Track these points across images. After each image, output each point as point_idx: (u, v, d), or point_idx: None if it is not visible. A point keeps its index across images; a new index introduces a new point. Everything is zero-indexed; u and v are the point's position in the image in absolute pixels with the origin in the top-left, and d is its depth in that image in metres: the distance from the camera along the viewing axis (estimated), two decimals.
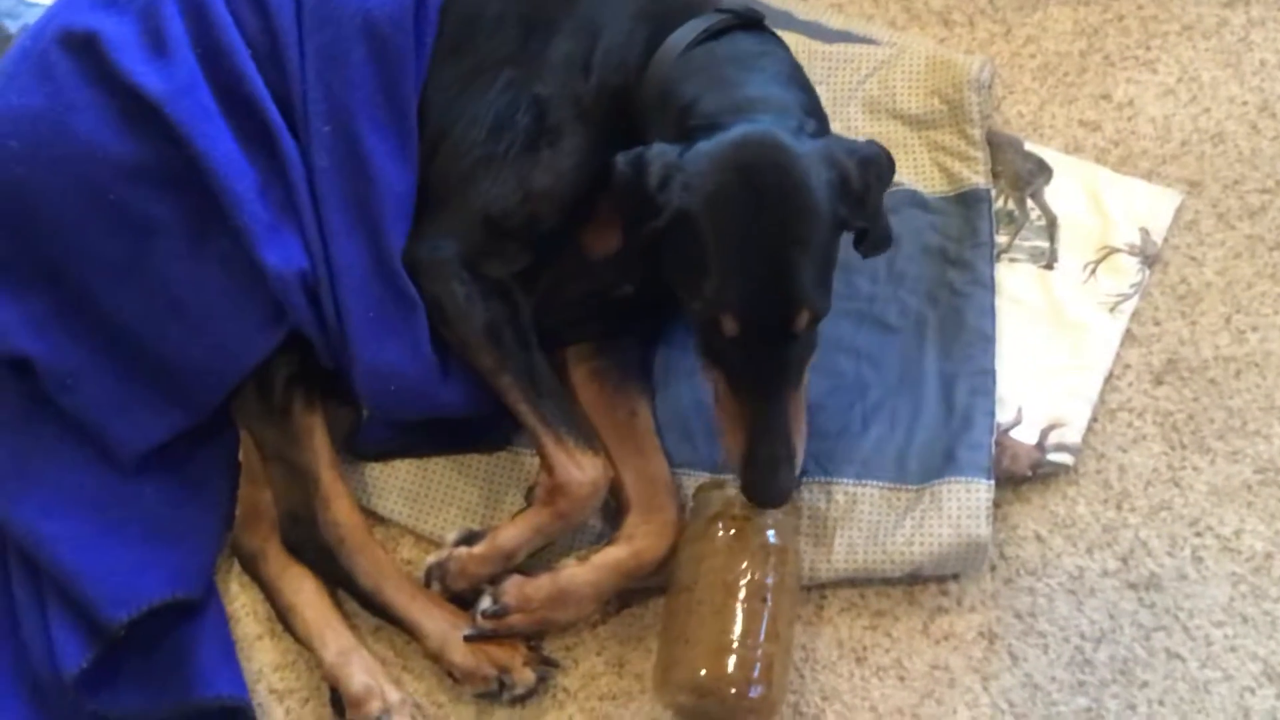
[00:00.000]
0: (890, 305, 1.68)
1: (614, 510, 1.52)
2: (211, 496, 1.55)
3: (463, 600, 1.47)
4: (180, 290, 1.44)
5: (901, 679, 1.47)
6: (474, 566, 1.44)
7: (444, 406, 1.50)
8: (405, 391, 1.46)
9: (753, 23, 1.51)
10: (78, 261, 1.44)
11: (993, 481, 1.52)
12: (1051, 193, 1.78)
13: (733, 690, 1.35)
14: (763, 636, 1.37)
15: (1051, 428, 1.59)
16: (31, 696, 1.44)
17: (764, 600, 1.39)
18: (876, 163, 1.40)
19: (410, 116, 1.51)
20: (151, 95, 1.41)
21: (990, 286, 1.68)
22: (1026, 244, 1.75)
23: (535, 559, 1.49)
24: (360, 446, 1.59)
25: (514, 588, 1.44)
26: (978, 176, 1.77)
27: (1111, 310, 1.69)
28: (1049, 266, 1.73)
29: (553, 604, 1.45)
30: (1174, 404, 1.64)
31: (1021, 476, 1.57)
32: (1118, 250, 1.74)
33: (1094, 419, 1.62)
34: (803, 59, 1.80)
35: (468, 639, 1.44)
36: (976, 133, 1.80)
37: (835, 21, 1.96)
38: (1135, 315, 1.70)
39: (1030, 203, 1.78)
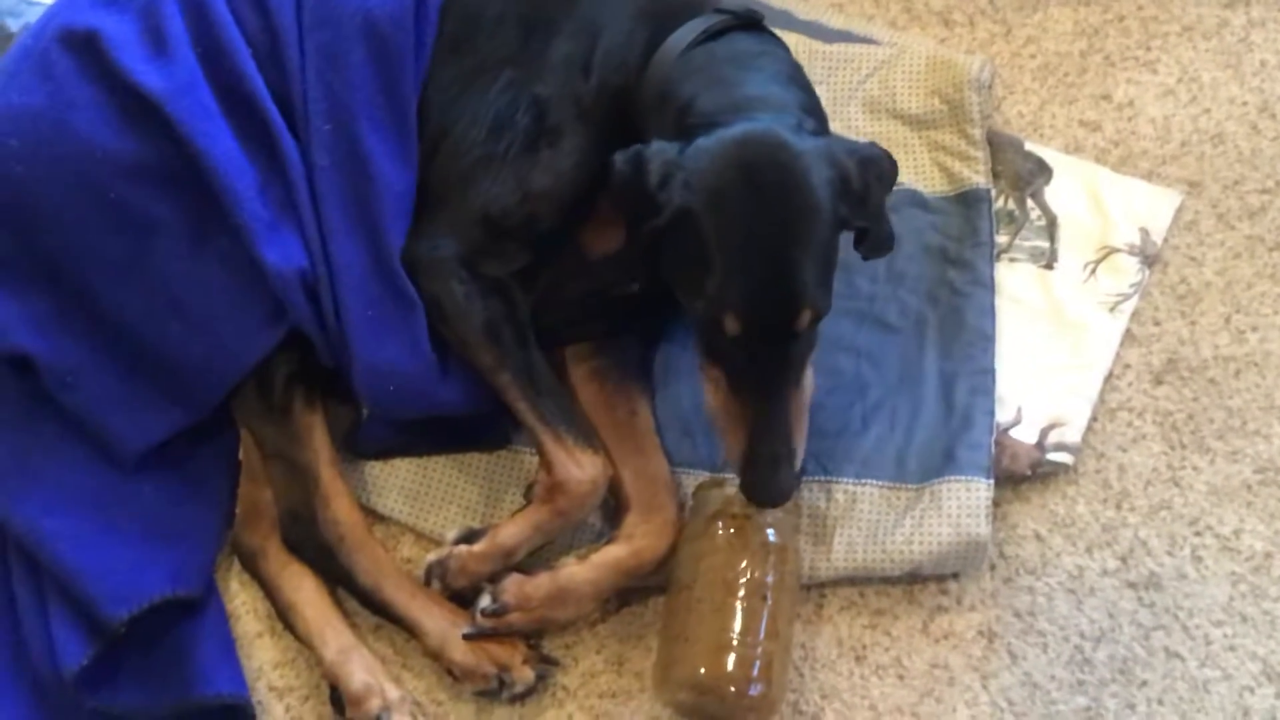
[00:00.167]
0: (890, 305, 1.68)
1: (613, 509, 1.53)
2: (212, 495, 1.55)
3: (463, 599, 1.47)
4: (180, 288, 1.44)
5: (901, 677, 1.47)
6: (474, 564, 1.44)
7: (443, 405, 1.50)
8: (404, 390, 1.46)
9: (752, 23, 1.51)
10: (78, 260, 1.44)
11: (992, 481, 1.53)
12: (1051, 193, 1.79)
13: (732, 688, 1.35)
14: (762, 635, 1.37)
15: (1051, 427, 1.59)
16: (32, 694, 1.44)
17: (764, 598, 1.39)
18: (877, 163, 1.40)
19: (410, 116, 1.51)
20: (152, 94, 1.41)
21: (990, 286, 1.68)
22: (1026, 244, 1.75)
23: (535, 558, 1.50)
24: (360, 445, 1.59)
25: (513, 586, 1.44)
26: (978, 176, 1.77)
27: (1111, 310, 1.70)
28: (1049, 266, 1.73)
29: (552, 602, 1.45)
30: (1174, 404, 1.64)
31: (1021, 476, 1.58)
32: (1118, 250, 1.74)
33: (1094, 418, 1.62)
34: (803, 59, 1.81)
35: (467, 637, 1.44)
36: (977, 133, 1.80)
37: (835, 21, 1.96)
38: (1135, 315, 1.70)
39: (1030, 202, 1.78)
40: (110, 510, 1.48)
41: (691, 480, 1.55)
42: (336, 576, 1.50)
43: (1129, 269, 1.73)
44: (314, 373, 1.50)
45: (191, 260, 1.43)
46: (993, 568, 1.54)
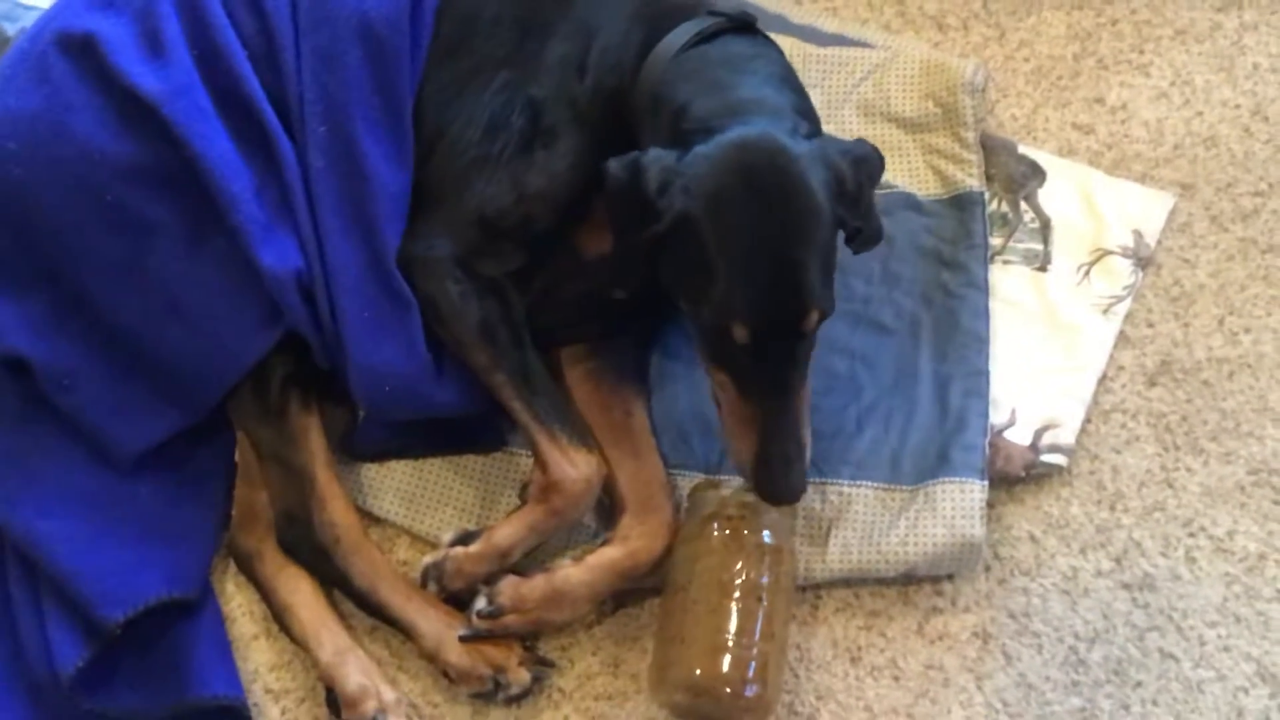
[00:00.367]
0: (885, 307, 1.68)
1: (609, 511, 1.53)
2: (208, 497, 1.55)
3: (459, 601, 1.47)
4: (177, 290, 1.44)
5: (896, 679, 1.48)
6: (470, 566, 1.44)
7: (439, 406, 1.50)
8: (400, 391, 1.46)
9: (745, 26, 1.52)
10: (75, 262, 1.45)
11: (986, 482, 1.53)
12: (1045, 195, 1.79)
13: (728, 689, 1.36)
14: (758, 636, 1.38)
15: (1045, 429, 1.60)
16: (28, 696, 1.44)
17: (759, 600, 1.39)
18: (868, 162, 1.41)
19: (406, 117, 1.52)
20: (148, 96, 1.41)
21: (984, 288, 1.69)
22: (1020, 246, 1.76)
23: (531, 559, 1.50)
24: (356, 447, 1.59)
25: (509, 588, 1.44)
26: (972, 179, 1.78)
27: (1105, 312, 1.70)
28: (1042, 269, 1.74)
29: (548, 604, 1.45)
30: (1167, 405, 1.65)
31: (1015, 477, 1.58)
32: (1111, 252, 1.75)
33: (1087, 420, 1.63)
34: (797, 62, 1.81)
35: (463, 639, 1.44)
36: (970, 136, 1.81)
37: (829, 25, 1.97)
38: (1128, 317, 1.71)
39: (1024, 205, 1.79)
40: (106, 512, 1.48)
41: (687, 482, 1.55)
42: (332, 578, 1.50)
43: (1122, 271, 1.73)
44: (310, 374, 1.50)
45: (188, 262, 1.43)
46: (987, 569, 1.54)
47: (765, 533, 1.43)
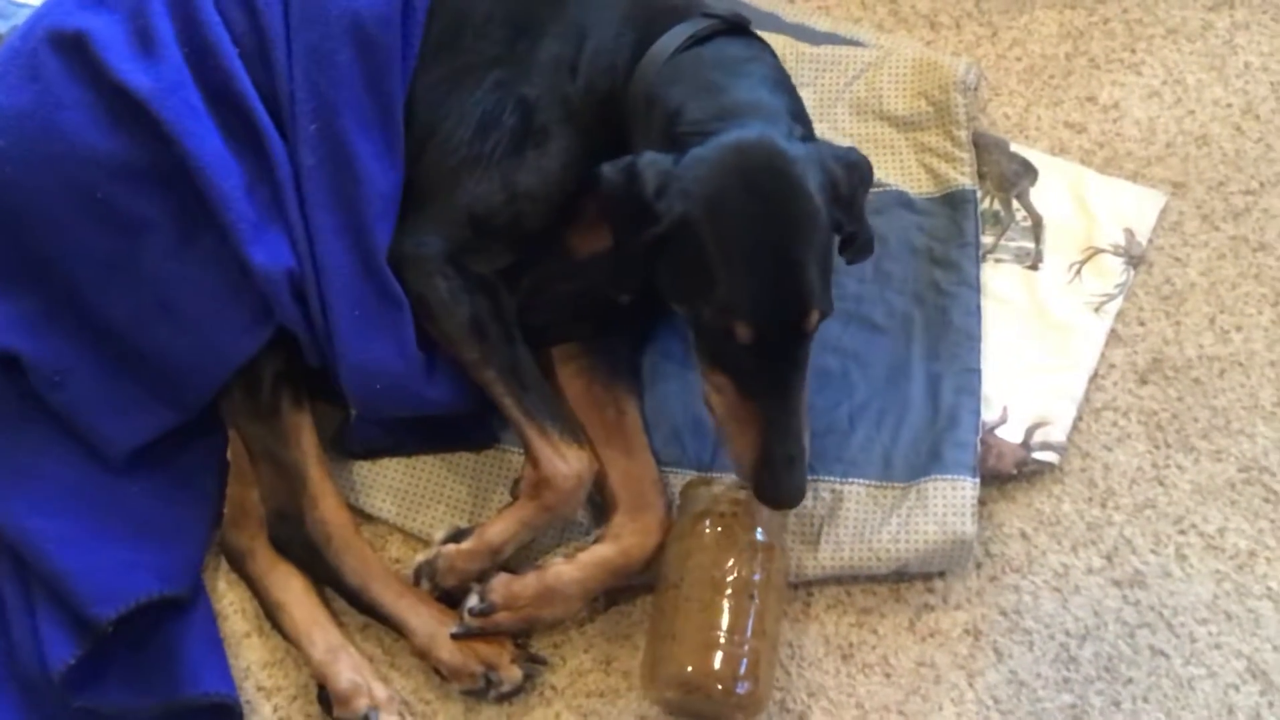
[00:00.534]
0: (877, 305, 1.69)
1: (601, 508, 1.53)
2: (200, 495, 1.55)
3: (451, 598, 1.47)
4: (168, 288, 1.43)
5: (887, 676, 1.48)
6: (462, 563, 1.45)
7: (430, 404, 1.50)
8: (392, 390, 1.46)
9: (739, 28, 1.52)
10: (66, 259, 1.44)
11: (978, 480, 1.53)
12: (1037, 194, 1.80)
13: (719, 686, 1.36)
14: (749, 633, 1.38)
15: (1037, 426, 1.60)
16: (19, 693, 1.43)
17: (751, 597, 1.39)
18: (860, 168, 1.42)
19: (397, 116, 1.51)
20: (139, 93, 1.41)
21: (976, 286, 1.69)
22: (1012, 244, 1.76)
23: (523, 557, 1.50)
24: (348, 445, 1.59)
25: (501, 586, 1.44)
26: (964, 177, 1.78)
27: (1096, 310, 1.71)
28: (1034, 267, 1.74)
29: (540, 602, 1.45)
30: (1158, 403, 1.65)
31: (1007, 475, 1.58)
32: (1102, 251, 1.75)
33: (1079, 418, 1.63)
34: (790, 61, 1.82)
35: (455, 636, 1.44)
36: (962, 134, 1.81)
37: (822, 24, 1.97)
38: (1120, 315, 1.71)
39: (1016, 204, 1.79)
40: (98, 510, 1.48)
41: (679, 479, 1.55)
42: (324, 576, 1.50)
43: (1114, 269, 1.74)
44: (302, 373, 1.50)
45: (179, 260, 1.43)
46: (979, 566, 1.54)
47: (757, 530, 1.43)
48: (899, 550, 1.49)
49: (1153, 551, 1.55)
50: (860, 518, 1.53)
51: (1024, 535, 1.56)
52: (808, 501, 1.53)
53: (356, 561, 1.48)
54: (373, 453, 1.60)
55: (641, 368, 1.64)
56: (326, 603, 1.51)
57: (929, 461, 1.55)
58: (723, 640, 1.37)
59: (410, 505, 1.58)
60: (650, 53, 1.47)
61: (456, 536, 1.47)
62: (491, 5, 1.56)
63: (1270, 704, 1.44)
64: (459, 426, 1.58)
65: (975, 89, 1.86)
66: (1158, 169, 1.85)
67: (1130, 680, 1.47)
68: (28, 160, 1.43)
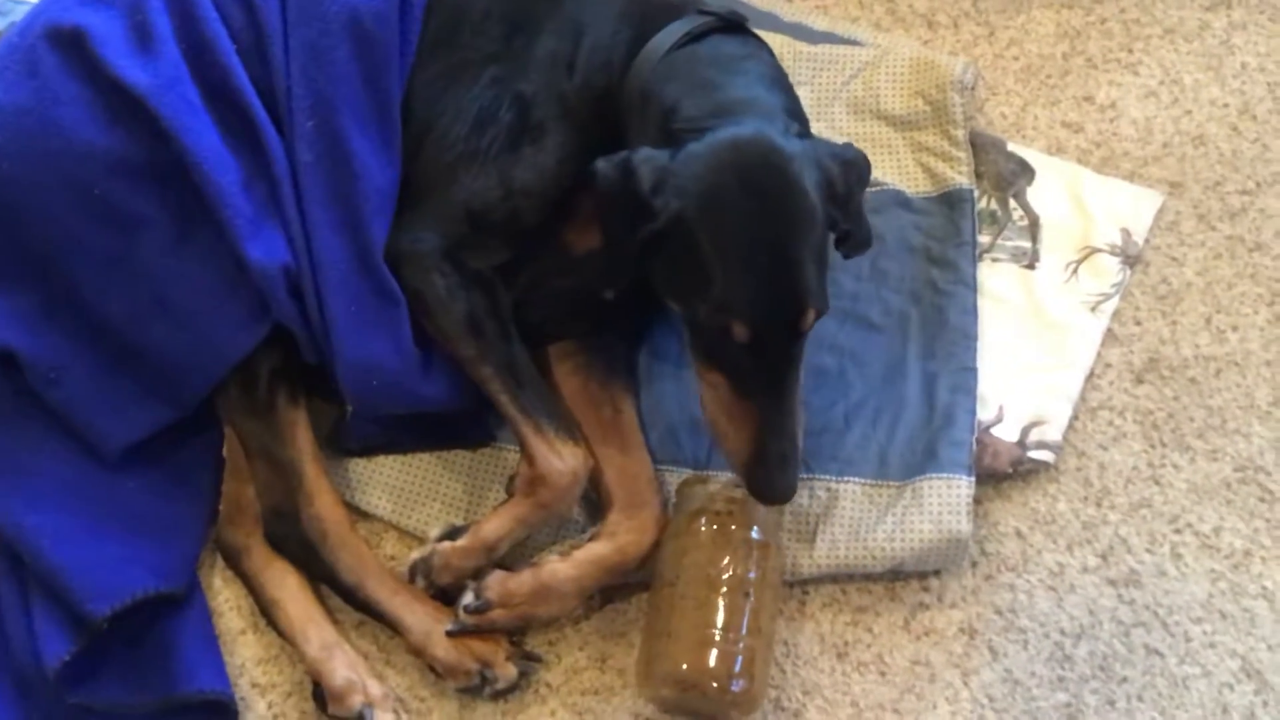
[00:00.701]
0: (873, 304, 1.69)
1: (596, 505, 1.53)
2: (196, 491, 1.55)
3: (447, 596, 1.47)
4: (165, 284, 1.43)
5: (882, 674, 1.48)
6: (457, 560, 1.45)
7: (426, 401, 1.50)
8: (388, 386, 1.46)
9: (735, 25, 1.52)
10: (63, 255, 1.44)
11: (974, 478, 1.53)
12: (1034, 193, 1.80)
13: (714, 684, 1.36)
14: (745, 630, 1.38)
15: (1033, 425, 1.60)
16: (15, 689, 1.43)
17: (746, 595, 1.39)
18: (856, 166, 1.42)
19: (394, 112, 1.51)
20: (136, 89, 1.40)
21: (972, 285, 1.69)
22: (1009, 244, 1.76)
23: (518, 555, 1.50)
24: (344, 442, 1.59)
25: (496, 583, 1.44)
26: (961, 177, 1.78)
27: (1093, 310, 1.71)
28: (1031, 266, 1.74)
29: (535, 599, 1.45)
30: (1154, 403, 1.65)
31: (1002, 474, 1.58)
32: (1099, 250, 1.75)
33: (1075, 417, 1.63)
34: (787, 60, 1.82)
35: (450, 634, 1.44)
36: (960, 133, 1.81)
37: (820, 23, 1.97)
38: (1116, 315, 1.71)
39: (1013, 203, 1.79)
40: (94, 506, 1.48)
41: (675, 478, 1.55)
42: (319, 573, 1.50)
43: (1110, 269, 1.74)
44: (298, 369, 1.50)
45: (175, 256, 1.43)
46: (974, 565, 1.54)
47: (753, 528, 1.43)
48: (894, 549, 1.49)
49: (1148, 551, 1.55)
50: (856, 516, 1.53)
51: (1019, 534, 1.56)
52: (803, 500, 1.54)
53: (352, 558, 1.48)
54: (369, 450, 1.60)
55: (638, 366, 1.64)
56: (321, 600, 1.51)
57: (925, 460, 1.55)
58: (718, 638, 1.37)
59: (406, 502, 1.58)
60: (646, 49, 1.47)
61: (452, 534, 1.47)
62: (489, 2, 1.57)
63: (1264, 703, 1.44)
64: (455, 424, 1.58)
65: (972, 88, 1.86)
66: (1154, 169, 1.85)
67: (1125, 679, 1.47)
68: (25, 156, 1.43)
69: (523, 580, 1.45)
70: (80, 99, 1.43)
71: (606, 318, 1.60)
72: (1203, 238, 1.78)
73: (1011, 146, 1.84)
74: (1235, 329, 1.70)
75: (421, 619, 1.46)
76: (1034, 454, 1.59)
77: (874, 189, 1.75)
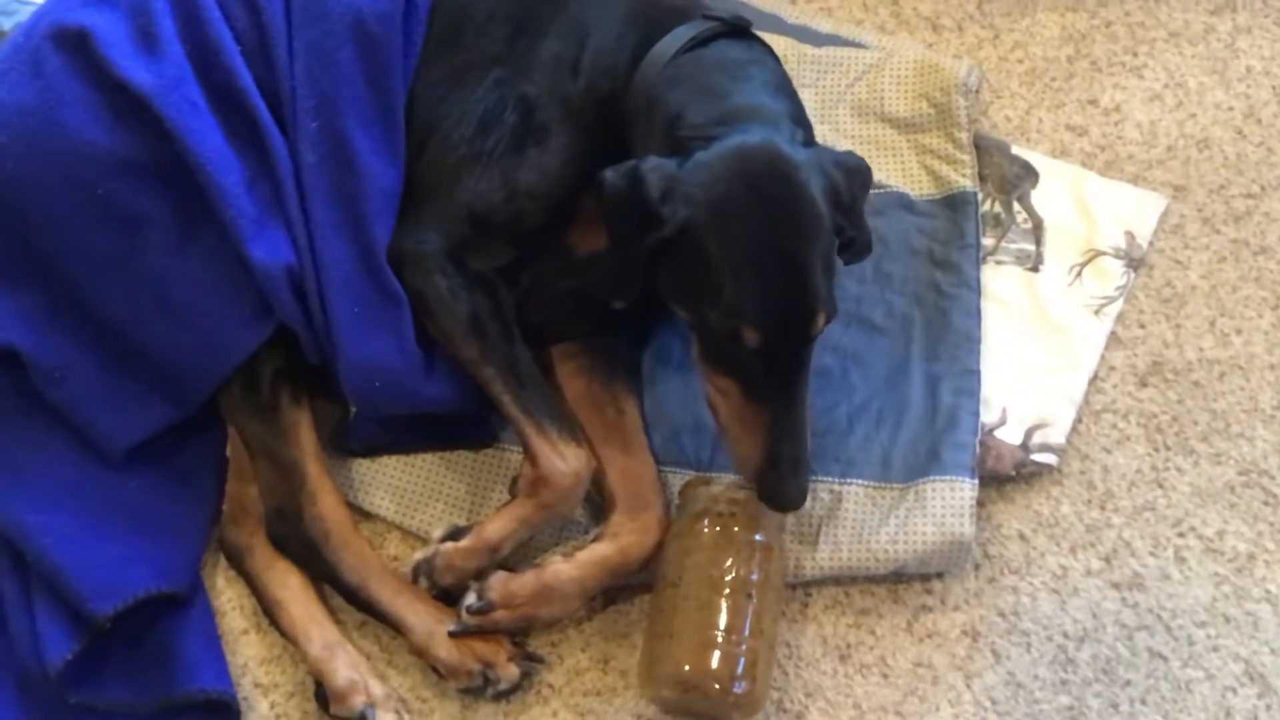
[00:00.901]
0: (877, 306, 1.69)
1: (599, 506, 1.53)
2: (199, 491, 1.55)
3: (449, 597, 1.47)
4: (168, 285, 1.44)
5: (885, 676, 1.48)
6: (460, 560, 1.45)
7: (429, 402, 1.50)
8: (391, 387, 1.46)
9: (740, 30, 1.52)
10: (67, 255, 1.45)
11: (977, 481, 1.53)
12: (1038, 196, 1.80)
13: (716, 685, 1.36)
14: (747, 632, 1.38)
15: (1036, 428, 1.60)
16: (17, 688, 1.44)
17: (749, 596, 1.39)
18: (860, 173, 1.43)
19: (398, 113, 1.52)
20: (140, 90, 1.41)
21: (976, 288, 1.69)
22: (1013, 247, 1.76)
23: (521, 555, 1.50)
24: (347, 442, 1.59)
25: (499, 584, 1.44)
26: (965, 179, 1.78)
27: (1096, 313, 1.71)
28: (1035, 269, 1.74)
29: (538, 600, 1.45)
30: (1158, 406, 1.65)
31: (1006, 476, 1.58)
32: (1103, 253, 1.75)
33: (1078, 420, 1.63)
34: (792, 62, 1.83)
35: (453, 634, 1.44)
36: (964, 136, 1.81)
37: (824, 25, 1.97)
38: (1120, 318, 1.71)
39: (1017, 206, 1.79)
40: (97, 506, 1.48)
41: (678, 479, 1.55)
42: (322, 573, 1.50)
43: (1114, 272, 1.74)
44: (301, 370, 1.50)
45: (179, 256, 1.43)
46: (977, 567, 1.54)
47: (756, 530, 1.43)
48: (897, 551, 1.49)
49: (1151, 554, 1.55)
50: (859, 518, 1.53)
51: (1022, 537, 1.56)
52: (806, 502, 1.53)
53: (354, 559, 1.48)
54: (371, 450, 1.60)
55: (641, 367, 1.64)
56: (324, 600, 1.51)
57: (928, 462, 1.55)
58: (720, 639, 1.37)
59: (409, 503, 1.58)
60: (651, 54, 1.47)
61: (455, 534, 1.47)
62: (493, 3, 1.57)
63: (1268, 707, 1.44)
64: (458, 425, 1.58)
65: (977, 91, 1.86)
66: (1159, 172, 1.85)
67: (1128, 682, 1.46)
68: (29, 156, 1.43)
69: (525, 581, 1.45)
70: (84, 99, 1.44)
71: (609, 319, 1.60)
72: (1207, 241, 1.78)
73: (1016, 149, 1.84)
74: (1239, 332, 1.70)
75: (424, 619, 1.46)
76: (1037, 456, 1.59)
77: (878, 191, 1.75)
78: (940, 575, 1.53)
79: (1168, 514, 1.57)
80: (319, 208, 1.46)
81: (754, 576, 1.40)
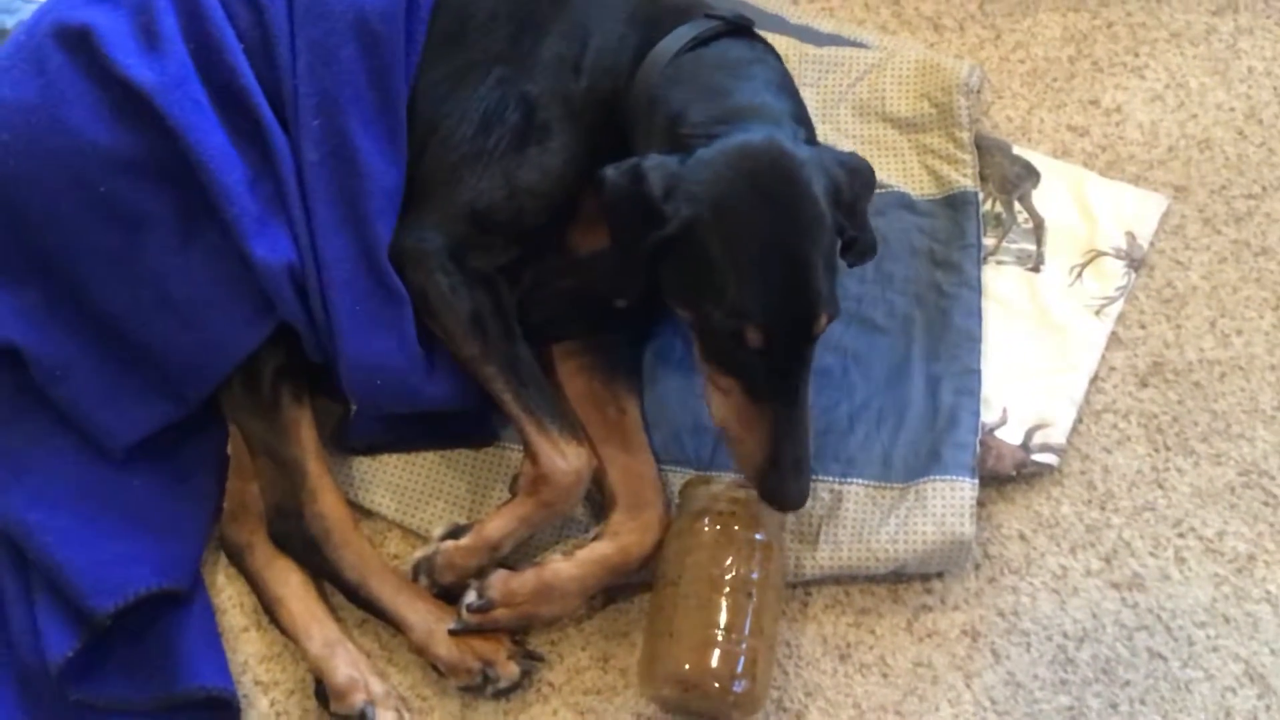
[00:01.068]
0: (878, 305, 1.69)
1: (600, 505, 1.53)
2: (199, 489, 1.55)
3: (449, 595, 1.47)
4: (170, 282, 1.44)
5: (885, 676, 1.48)
6: (460, 559, 1.45)
7: (430, 400, 1.50)
8: (392, 385, 1.46)
9: (741, 29, 1.52)
10: (69, 253, 1.45)
11: (977, 481, 1.53)
12: (1039, 196, 1.80)
13: (716, 684, 1.36)
14: (747, 631, 1.38)
15: (1036, 428, 1.60)
16: (18, 685, 1.44)
17: (749, 595, 1.39)
18: (862, 173, 1.43)
19: (400, 112, 1.52)
20: (142, 88, 1.41)
21: (977, 288, 1.69)
22: (1013, 247, 1.76)
23: (521, 554, 1.50)
24: (348, 440, 1.59)
25: (499, 582, 1.44)
26: (966, 179, 1.78)
27: (1097, 313, 1.71)
28: (1035, 269, 1.74)
29: (538, 599, 1.45)
30: (1158, 406, 1.65)
31: (1006, 476, 1.58)
32: (1104, 254, 1.75)
33: (1079, 420, 1.63)
34: (793, 62, 1.83)
35: (453, 633, 1.44)
36: (965, 136, 1.81)
37: (826, 25, 1.97)
38: (1121, 318, 1.71)
39: (1018, 206, 1.79)
40: (98, 503, 1.48)
41: (678, 478, 1.55)
42: (323, 571, 1.50)
43: (1115, 272, 1.74)
44: (302, 368, 1.50)
45: (181, 254, 1.43)
46: (977, 567, 1.54)
47: (756, 529, 1.43)
48: (897, 550, 1.49)
49: (1151, 554, 1.55)
50: (859, 518, 1.53)
51: (1023, 537, 1.56)
52: (807, 502, 1.54)
53: (355, 557, 1.48)
54: (372, 448, 1.60)
55: (642, 366, 1.64)
56: (325, 598, 1.52)
57: (928, 462, 1.55)
58: (720, 638, 1.37)
59: (409, 501, 1.58)
60: (653, 54, 1.47)
61: (455, 533, 1.47)
62: (495, 2, 1.57)
63: (1267, 707, 1.44)
64: (459, 423, 1.58)
65: (978, 91, 1.86)
66: (1160, 172, 1.85)
67: (1128, 683, 1.46)
68: (31, 153, 1.43)
69: (525, 579, 1.45)
70: (87, 97, 1.44)
71: (610, 318, 1.60)
72: (1208, 242, 1.78)
73: (1017, 149, 1.84)
74: (1240, 333, 1.70)
75: (424, 617, 1.46)
76: (1037, 457, 1.59)
77: (879, 191, 1.74)
78: (940, 575, 1.53)
79: (1168, 514, 1.58)
80: (321, 206, 1.46)
81: (754, 575, 1.41)
